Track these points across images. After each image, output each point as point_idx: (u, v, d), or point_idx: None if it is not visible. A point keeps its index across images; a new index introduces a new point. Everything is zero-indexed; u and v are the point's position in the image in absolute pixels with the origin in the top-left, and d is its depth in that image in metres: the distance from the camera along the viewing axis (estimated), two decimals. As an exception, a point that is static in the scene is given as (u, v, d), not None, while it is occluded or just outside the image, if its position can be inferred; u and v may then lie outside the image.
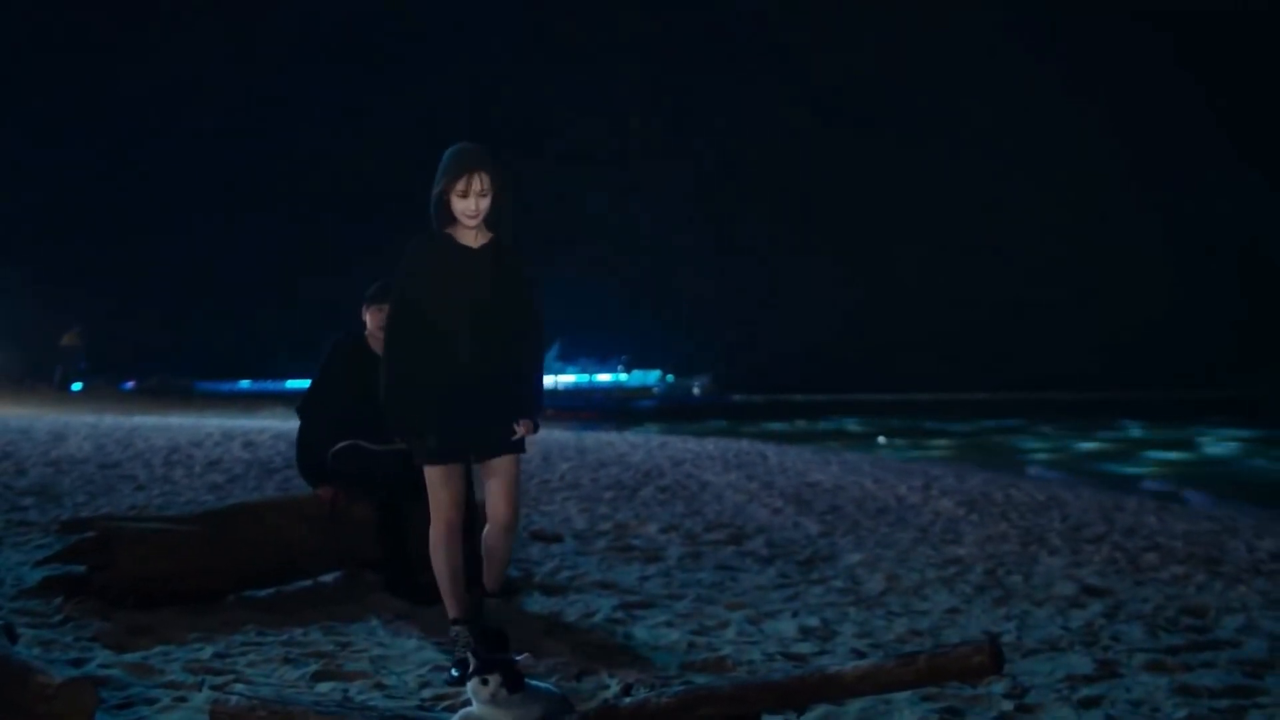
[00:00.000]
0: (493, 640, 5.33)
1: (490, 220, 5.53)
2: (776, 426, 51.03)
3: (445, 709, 4.85)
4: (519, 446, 5.62)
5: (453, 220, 5.52)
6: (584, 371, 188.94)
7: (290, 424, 26.40)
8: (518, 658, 4.02)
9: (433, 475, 5.54)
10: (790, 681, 3.51)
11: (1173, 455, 32.62)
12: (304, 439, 7.63)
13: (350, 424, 7.47)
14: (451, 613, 5.44)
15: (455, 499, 5.56)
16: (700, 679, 5.52)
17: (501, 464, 5.61)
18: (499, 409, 5.52)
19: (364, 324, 7.62)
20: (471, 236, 5.55)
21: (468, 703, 3.99)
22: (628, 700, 3.79)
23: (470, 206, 5.44)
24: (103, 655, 5.63)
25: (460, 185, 5.42)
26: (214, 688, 5.13)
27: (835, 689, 3.43)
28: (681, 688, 3.69)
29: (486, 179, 5.43)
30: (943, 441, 39.58)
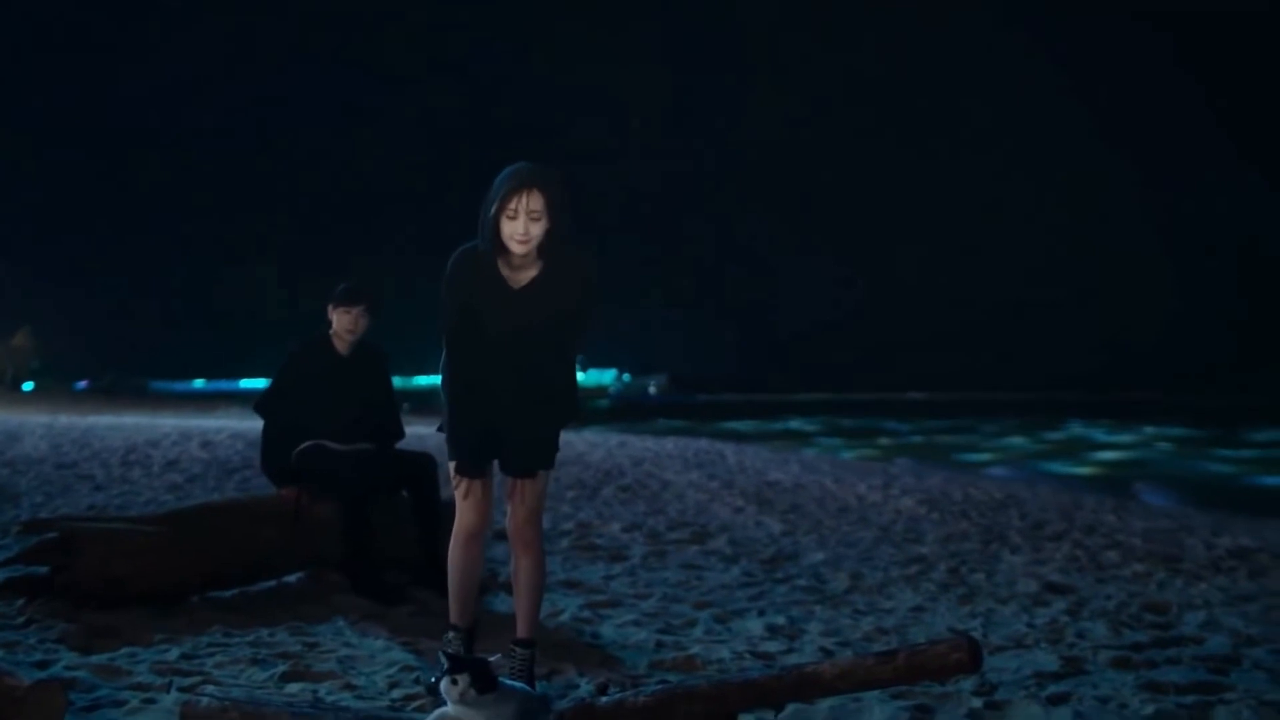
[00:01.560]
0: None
1: (544, 247, 4.91)
2: (734, 426, 51.09)
3: (416, 709, 4.84)
4: (532, 471, 5.15)
5: (503, 248, 4.90)
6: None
7: (246, 424, 26.26)
8: (490, 659, 4.01)
9: (458, 483, 5.20)
10: (768, 680, 3.51)
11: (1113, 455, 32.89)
12: (268, 438, 7.59)
13: (315, 423, 7.45)
14: (450, 617, 5.32)
15: (476, 505, 5.27)
16: (670, 678, 5.52)
17: (520, 483, 5.18)
18: (529, 419, 5.07)
19: (329, 323, 7.58)
20: (518, 268, 4.96)
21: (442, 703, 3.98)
22: (604, 699, 3.78)
23: (519, 230, 4.82)
24: (68, 657, 5.57)
25: (511, 206, 4.81)
26: (182, 689, 5.09)
27: (814, 687, 3.43)
28: (659, 686, 3.69)
29: (540, 199, 4.81)
30: (885, 441, 39.77)
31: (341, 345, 7.55)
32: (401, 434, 7.72)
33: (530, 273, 4.96)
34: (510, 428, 5.04)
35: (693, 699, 3.56)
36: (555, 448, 5.17)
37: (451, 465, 5.13)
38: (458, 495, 5.12)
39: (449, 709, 3.87)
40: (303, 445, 7.44)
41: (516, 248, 4.86)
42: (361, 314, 7.53)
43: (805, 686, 3.44)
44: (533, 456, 5.09)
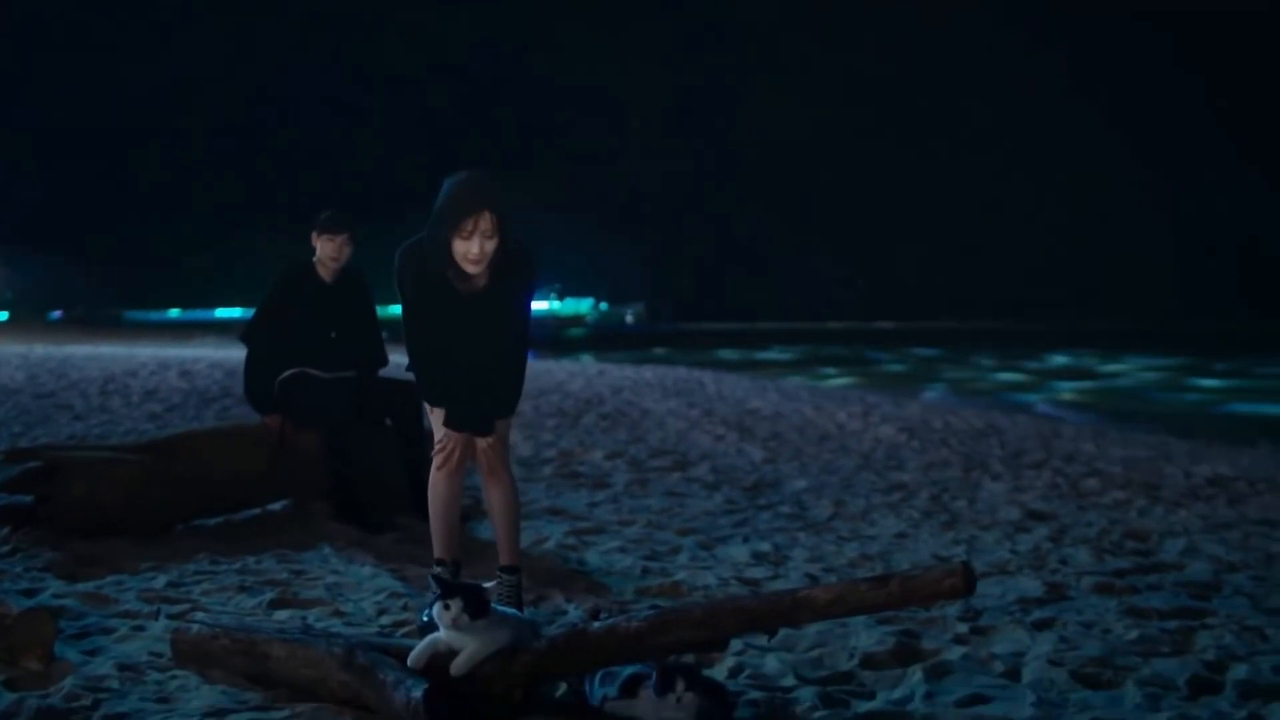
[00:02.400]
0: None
1: (495, 262, 4.89)
2: (712, 355, 51.11)
3: (404, 635, 4.85)
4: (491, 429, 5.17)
5: (451, 262, 4.88)
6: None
7: (223, 353, 26.18)
8: (485, 585, 4.01)
9: (440, 434, 5.19)
10: (761, 605, 3.52)
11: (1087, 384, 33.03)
12: (251, 366, 7.54)
13: (298, 351, 7.40)
14: (435, 553, 5.32)
15: (454, 452, 5.25)
16: (658, 604, 5.54)
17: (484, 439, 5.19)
18: (485, 400, 5.13)
19: (313, 250, 7.52)
20: (469, 279, 4.94)
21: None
22: (596, 625, 3.79)
23: (474, 250, 4.80)
24: (55, 585, 5.58)
25: (465, 227, 4.77)
26: (171, 616, 5.10)
27: (807, 612, 3.44)
28: (651, 611, 3.70)
29: (491, 219, 4.79)
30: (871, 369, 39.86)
31: (326, 273, 7.50)
32: (385, 360, 7.69)
33: (481, 281, 4.96)
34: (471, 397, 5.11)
35: (685, 624, 3.57)
36: (513, 406, 5.24)
37: (437, 416, 5.15)
38: (442, 440, 5.14)
39: (441, 634, 3.88)
40: (286, 373, 7.41)
41: (470, 268, 4.86)
42: (346, 241, 7.47)
43: (798, 611, 3.45)
44: (493, 413, 5.17)
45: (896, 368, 42.08)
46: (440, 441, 5.13)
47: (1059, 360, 47.30)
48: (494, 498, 5.24)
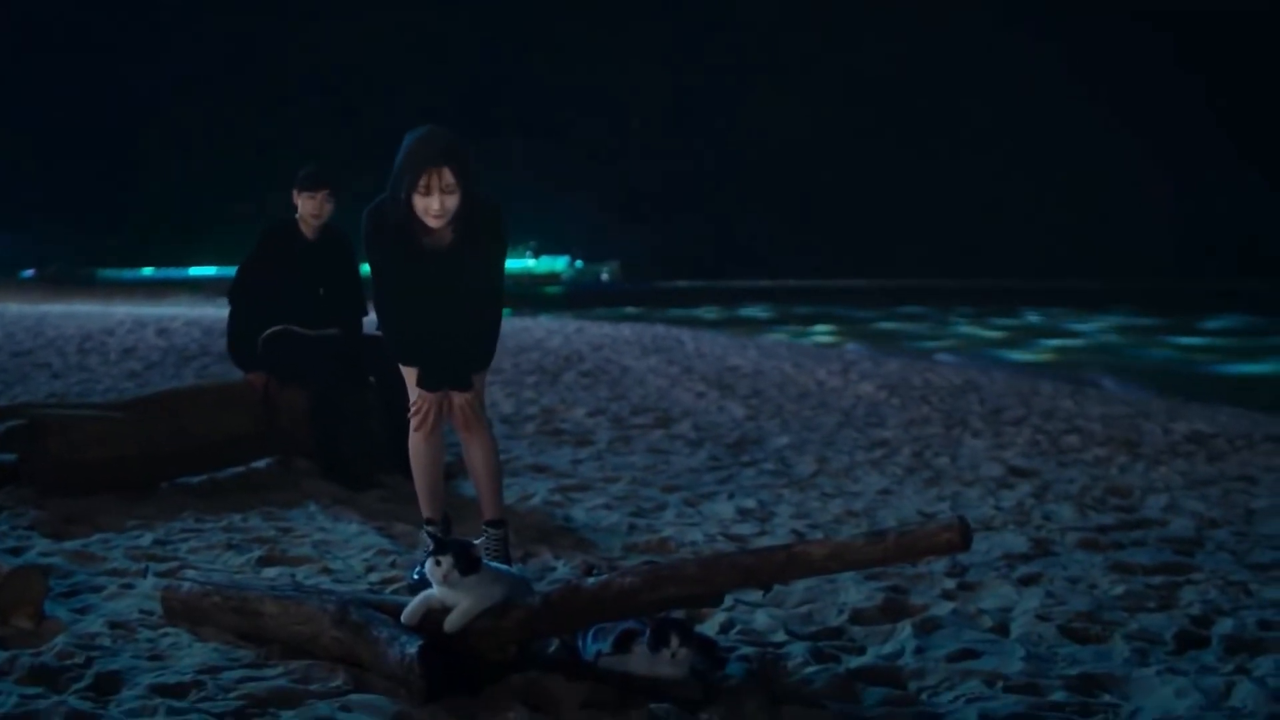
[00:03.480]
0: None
1: (459, 214, 4.79)
2: (689, 312, 51.10)
3: (393, 592, 4.85)
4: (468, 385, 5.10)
5: (414, 217, 4.81)
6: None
7: (199, 310, 26.09)
8: (475, 541, 4.01)
9: (414, 395, 5.13)
10: (756, 560, 3.52)
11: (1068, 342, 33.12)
12: (235, 324, 7.51)
13: (282, 309, 7.37)
14: (424, 513, 5.29)
15: (430, 413, 5.20)
16: (650, 560, 5.56)
17: (459, 395, 5.12)
18: (459, 356, 5.07)
19: (295, 208, 7.48)
20: (434, 235, 4.88)
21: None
22: (590, 581, 3.79)
23: (434, 206, 4.72)
24: (41, 543, 5.56)
25: (422, 183, 4.69)
26: (159, 574, 5.09)
27: (802, 567, 3.44)
28: (646, 566, 3.70)
29: (451, 173, 4.71)
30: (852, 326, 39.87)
31: (308, 230, 7.44)
32: (365, 313, 7.67)
33: (446, 238, 4.90)
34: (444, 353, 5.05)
35: (680, 579, 3.57)
36: (488, 359, 5.20)
37: (410, 376, 5.11)
38: (417, 401, 5.09)
39: (435, 591, 3.87)
40: (269, 330, 7.37)
41: (432, 222, 4.78)
42: (326, 198, 7.41)
43: (793, 566, 3.45)
44: (467, 369, 5.10)
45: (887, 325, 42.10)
46: (415, 403, 5.08)
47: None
48: (474, 454, 5.20)
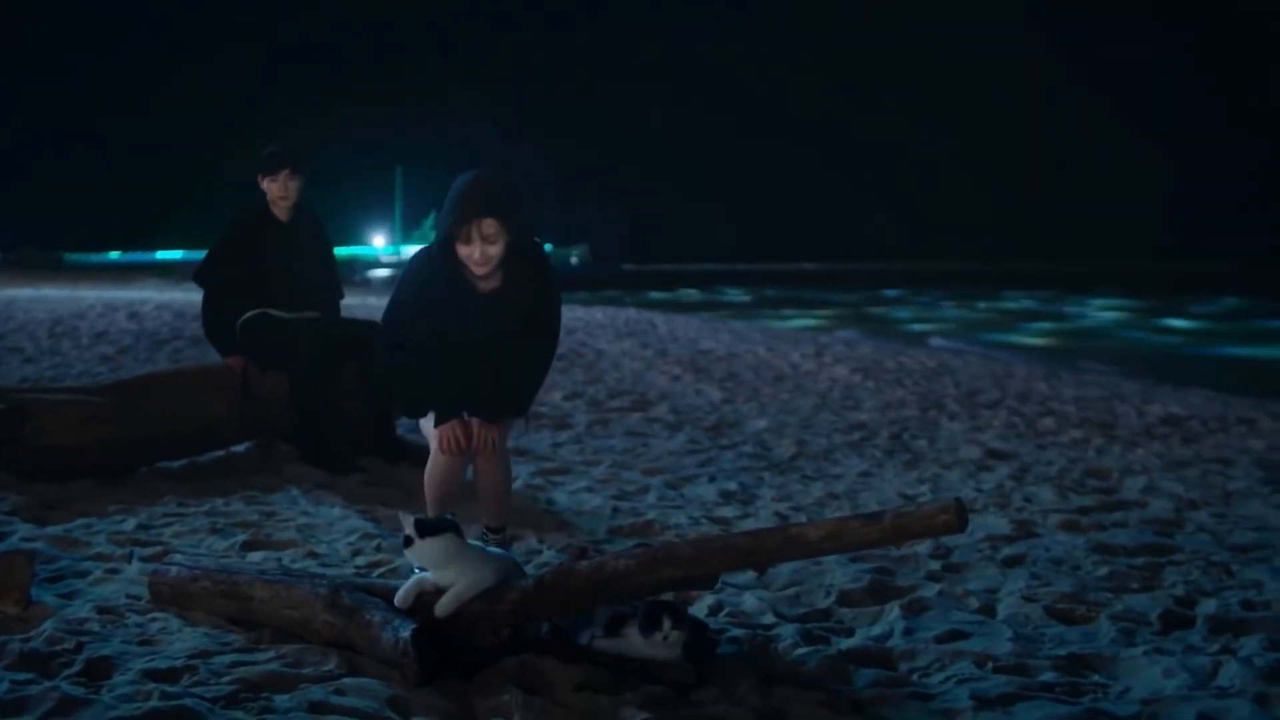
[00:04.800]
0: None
1: (505, 260, 4.69)
2: (660, 296, 51.08)
3: (379, 576, 4.83)
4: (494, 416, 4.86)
5: (458, 262, 4.69)
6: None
7: (169, 295, 25.96)
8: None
9: (443, 434, 4.84)
10: (752, 542, 3.52)
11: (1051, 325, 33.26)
12: (211, 308, 7.44)
13: (259, 292, 7.31)
14: (429, 511, 5.13)
15: (456, 443, 4.81)
16: (640, 543, 5.56)
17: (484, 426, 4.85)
18: (496, 395, 4.86)
19: (264, 193, 7.38)
20: (481, 277, 4.73)
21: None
22: (584, 563, 3.79)
23: (475, 255, 4.63)
24: (24, 529, 5.52)
25: (464, 232, 4.60)
26: (144, 559, 5.07)
27: (798, 549, 3.44)
28: (640, 549, 3.70)
29: (494, 224, 4.60)
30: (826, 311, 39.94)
31: (280, 213, 7.36)
32: (341, 294, 7.66)
33: (494, 282, 4.76)
34: (477, 383, 4.83)
35: (675, 562, 3.57)
36: (527, 404, 5.04)
37: (428, 423, 4.90)
38: (440, 444, 4.84)
39: (429, 574, 3.87)
40: (247, 315, 7.32)
41: (476, 269, 4.67)
42: (289, 177, 7.29)
43: (789, 548, 3.45)
44: (502, 404, 4.90)
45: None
46: (441, 436, 4.82)
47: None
48: (486, 476, 5.00)
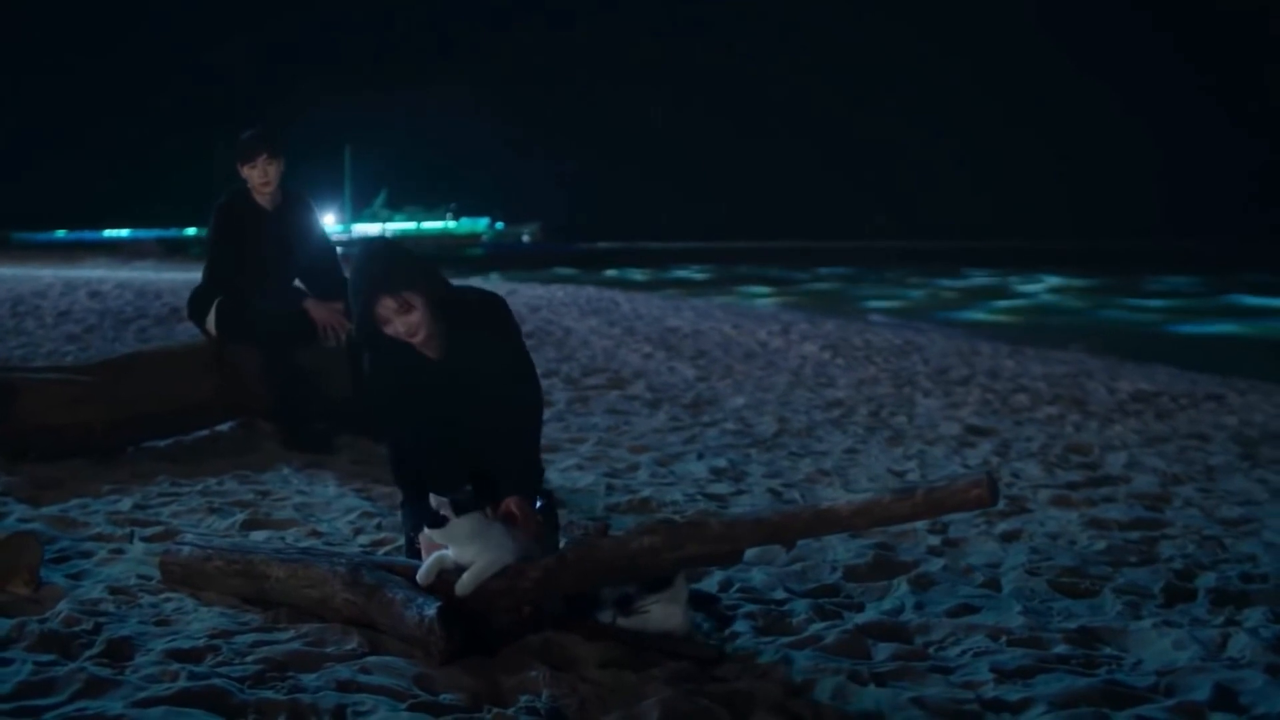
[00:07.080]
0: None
1: (441, 319, 4.37)
2: (616, 274, 51.06)
3: (385, 554, 4.81)
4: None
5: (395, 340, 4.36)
6: (411, 219, 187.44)
7: (128, 274, 25.76)
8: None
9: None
10: (782, 517, 3.53)
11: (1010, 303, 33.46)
12: (202, 294, 7.29)
13: (254, 281, 7.16)
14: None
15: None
16: (627, 520, 5.57)
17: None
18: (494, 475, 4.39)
19: (244, 181, 7.24)
20: (423, 349, 4.40)
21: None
22: (608, 539, 3.79)
23: (400, 330, 4.30)
24: (19, 509, 5.46)
25: (378, 315, 4.28)
26: (145, 539, 5.04)
27: (829, 524, 3.46)
28: (664, 524, 3.70)
29: (394, 300, 4.25)
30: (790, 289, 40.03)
31: (263, 199, 7.21)
32: (343, 275, 7.55)
33: (438, 342, 4.41)
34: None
35: (703, 537, 3.56)
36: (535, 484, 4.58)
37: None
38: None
39: (449, 551, 3.86)
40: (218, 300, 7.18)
41: (412, 340, 4.33)
42: (267, 161, 7.12)
43: (820, 524, 3.47)
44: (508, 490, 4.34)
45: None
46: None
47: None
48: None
